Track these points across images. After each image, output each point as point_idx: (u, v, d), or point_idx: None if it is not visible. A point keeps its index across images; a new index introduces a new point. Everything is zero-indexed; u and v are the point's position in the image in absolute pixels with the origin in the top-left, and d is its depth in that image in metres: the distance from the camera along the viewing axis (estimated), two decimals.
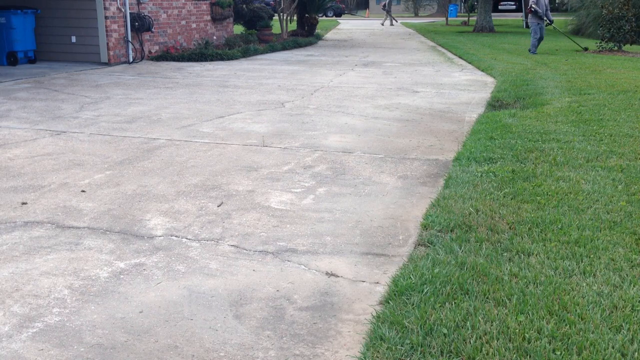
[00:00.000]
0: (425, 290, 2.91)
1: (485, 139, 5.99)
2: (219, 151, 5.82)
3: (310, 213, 4.17)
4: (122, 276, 3.22)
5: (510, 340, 2.52)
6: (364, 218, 4.07)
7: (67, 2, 13.14)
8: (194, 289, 3.08)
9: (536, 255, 3.33)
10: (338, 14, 53.45)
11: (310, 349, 2.56)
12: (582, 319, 2.67)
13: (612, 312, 2.74)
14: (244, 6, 19.61)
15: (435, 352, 2.45)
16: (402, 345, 2.49)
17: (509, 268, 3.16)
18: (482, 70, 12.74)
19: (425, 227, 3.79)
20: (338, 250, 3.57)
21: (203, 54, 14.49)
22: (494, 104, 8.66)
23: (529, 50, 16.23)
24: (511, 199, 4.23)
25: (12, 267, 3.31)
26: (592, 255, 3.33)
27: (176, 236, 3.77)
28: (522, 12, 33.73)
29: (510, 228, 3.73)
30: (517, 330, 2.58)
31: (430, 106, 8.42)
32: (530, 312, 2.73)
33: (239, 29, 20.50)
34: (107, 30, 12.95)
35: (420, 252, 3.43)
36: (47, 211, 4.18)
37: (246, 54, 15.71)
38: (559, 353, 2.43)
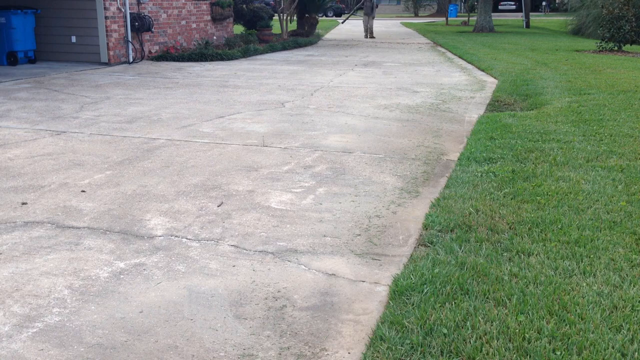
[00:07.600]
0: (425, 290, 2.91)
1: (485, 139, 5.99)
2: (219, 151, 5.82)
3: (310, 213, 4.17)
4: (122, 276, 3.22)
5: (510, 340, 2.52)
6: (364, 218, 4.07)
7: (67, 2, 13.13)
8: (194, 289, 3.08)
9: (536, 255, 3.33)
10: (338, 14, 53.44)
11: (310, 349, 2.56)
12: (582, 319, 2.67)
13: (612, 312, 2.74)
14: (244, 6, 19.61)
15: (435, 352, 2.45)
16: (402, 345, 2.49)
17: (509, 268, 3.17)
18: (482, 70, 12.74)
19: (425, 227, 3.79)
20: (338, 250, 3.57)
21: (203, 54, 14.48)
22: (494, 104, 8.67)
23: None
24: (511, 199, 4.23)
25: (12, 267, 3.31)
26: (592, 255, 3.33)
27: (176, 236, 3.77)
28: (522, 12, 33.74)
29: (510, 228, 3.73)
30: (517, 330, 2.58)
31: (430, 106, 8.42)
32: (530, 312, 2.73)
33: (239, 29, 20.50)
34: (107, 30, 12.95)
35: (420, 252, 3.43)
36: (47, 211, 4.18)
37: (246, 54, 15.71)
38: (559, 353, 2.43)
